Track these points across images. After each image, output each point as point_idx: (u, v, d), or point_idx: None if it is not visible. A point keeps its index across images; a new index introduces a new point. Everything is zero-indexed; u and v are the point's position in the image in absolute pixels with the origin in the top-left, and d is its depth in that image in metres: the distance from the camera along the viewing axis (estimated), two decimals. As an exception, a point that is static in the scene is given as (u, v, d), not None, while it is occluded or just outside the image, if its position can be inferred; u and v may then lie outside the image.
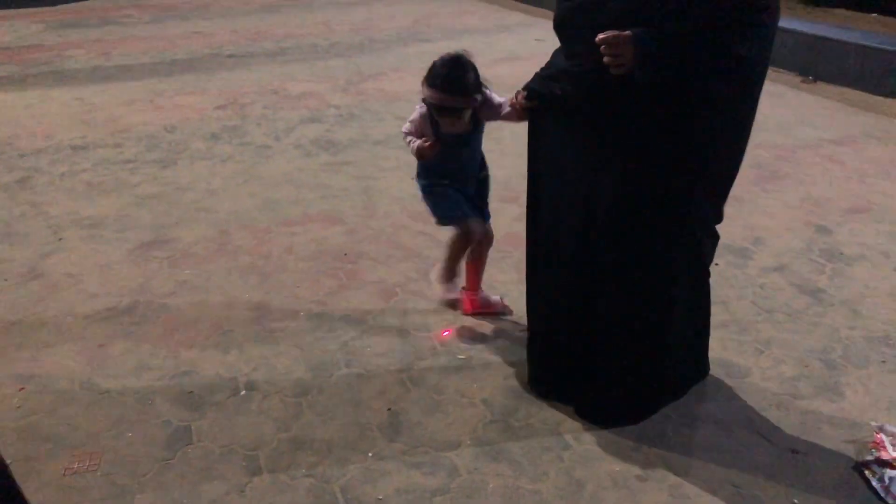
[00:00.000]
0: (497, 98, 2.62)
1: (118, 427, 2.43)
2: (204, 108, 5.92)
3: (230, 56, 7.66)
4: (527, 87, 2.35)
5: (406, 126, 2.71)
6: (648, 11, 1.94)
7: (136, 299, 3.18)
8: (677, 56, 1.95)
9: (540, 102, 2.30)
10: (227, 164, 4.73)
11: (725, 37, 1.94)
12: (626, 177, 2.14)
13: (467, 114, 2.62)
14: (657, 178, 2.12)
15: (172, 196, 4.23)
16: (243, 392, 2.60)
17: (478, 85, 2.58)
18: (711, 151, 2.11)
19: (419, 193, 2.86)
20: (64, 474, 2.23)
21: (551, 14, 2.22)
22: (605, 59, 1.96)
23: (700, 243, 2.31)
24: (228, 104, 6.01)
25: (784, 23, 6.89)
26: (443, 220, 2.81)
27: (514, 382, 2.62)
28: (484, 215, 2.89)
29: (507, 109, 2.55)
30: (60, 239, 3.73)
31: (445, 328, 2.97)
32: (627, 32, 1.92)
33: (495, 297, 3.09)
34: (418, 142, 2.64)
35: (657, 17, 1.93)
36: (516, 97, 2.41)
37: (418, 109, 2.69)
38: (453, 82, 2.54)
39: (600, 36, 1.94)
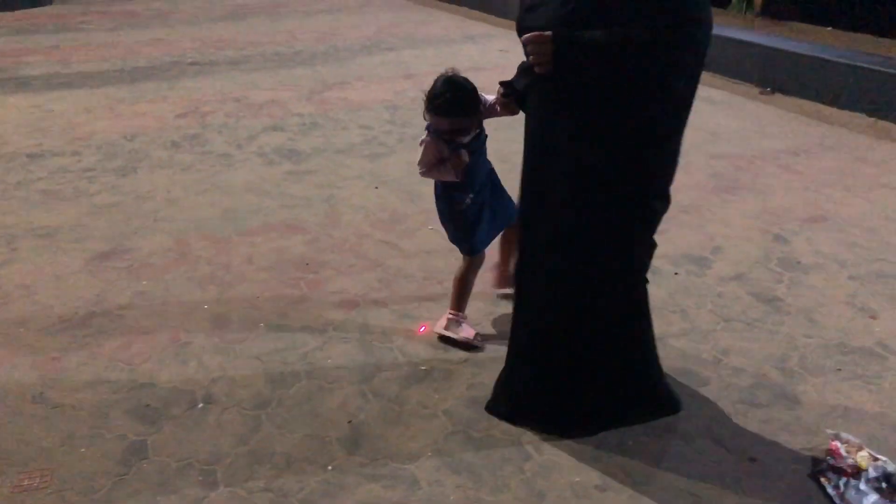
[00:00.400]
0: (489, 98, 2.63)
1: (71, 442, 2.38)
2: (164, 116, 5.85)
3: (192, 64, 7.58)
4: (506, 82, 2.44)
5: (421, 170, 2.70)
6: (576, 18, 1.99)
7: (92, 310, 3.12)
8: (598, 59, 1.99)
9: (515, 96, 2.40)
10: (188, 172, 4.67)
11: (654, 46, 1.96)
12: (568, 174, 2.17)
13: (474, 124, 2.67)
14: (592, 179, 2.15)
15: (131, 205, 4.17)
16: (201, 405, 2.56)
17: (478, 98, 2.60)
18: (640, 155, 2.13)
19: (459, 221, 2.83)
20: (13, 492, 2.17)
21: (514, 25, 2.25)
22: (530, 57, 2.06)
23: (634, 255, 2.31)
24: (189, 112, 5.94)
25: (742, 35, 7.14)
26: (469, 249, 2.86)
27: (475, 392, 2.61)
28: (512, 204, 2.85)
29: (497, 107, 2.59)
30: (14, 249, 3.64)
31: (422, 324, 3.01)
32: (548, 33, 2.00)
33: None
34: (448, 164, 2.63)
35: (583, 23, 1.98)
36: (498, 93, 2.50)
37: (426, 137, 2.66)
38: (457, 106, 2.56)
39: (524, 37, 2.05)
